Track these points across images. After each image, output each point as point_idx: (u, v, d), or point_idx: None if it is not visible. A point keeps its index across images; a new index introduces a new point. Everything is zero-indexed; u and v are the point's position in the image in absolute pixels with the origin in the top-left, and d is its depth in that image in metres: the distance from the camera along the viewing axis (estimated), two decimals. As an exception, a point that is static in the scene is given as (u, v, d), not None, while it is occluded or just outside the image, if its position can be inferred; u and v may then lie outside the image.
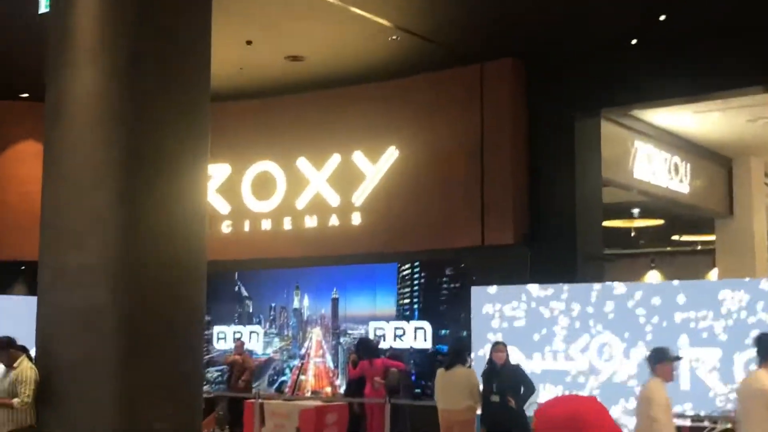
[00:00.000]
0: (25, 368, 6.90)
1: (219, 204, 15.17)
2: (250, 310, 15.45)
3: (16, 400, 6.82)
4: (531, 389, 9.24)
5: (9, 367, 7.03)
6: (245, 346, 14.43)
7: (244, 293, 15.53)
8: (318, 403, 12.51)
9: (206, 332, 15.30)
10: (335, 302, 14.62)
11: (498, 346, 9.47)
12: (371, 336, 13.72)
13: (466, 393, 9.09)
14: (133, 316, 6.57)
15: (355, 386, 12.08)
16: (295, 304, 15.03)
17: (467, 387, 9.13)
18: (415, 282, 13.83)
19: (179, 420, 6.70)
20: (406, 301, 13.83)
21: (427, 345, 13.50)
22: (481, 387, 9.28)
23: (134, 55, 6.84)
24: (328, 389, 14.32)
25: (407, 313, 13.78)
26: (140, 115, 6.81)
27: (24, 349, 7.18)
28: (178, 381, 6.72)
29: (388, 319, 13.96)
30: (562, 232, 12.72)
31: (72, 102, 6.89)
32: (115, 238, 6.63)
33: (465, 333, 12.45)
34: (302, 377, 14.69)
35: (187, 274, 6.94)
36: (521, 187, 13.03)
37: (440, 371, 9.40)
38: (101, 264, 6.61)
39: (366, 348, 12.10)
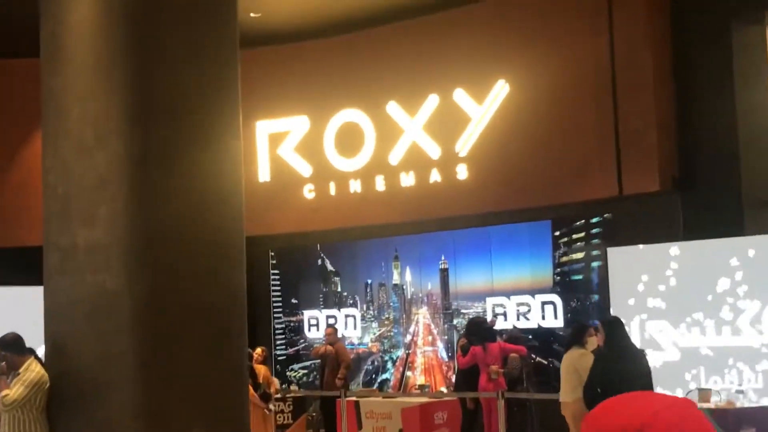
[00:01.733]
0: (30, 370, 6.51)
1: (298, 165, 14.66)
2: (339, 289, 14.91)
3: (2, 394, 6.46)
4: None
5: (14, 371, 6.66)
6: (339, 334, 13.91)
7: (330, 268, 15.00)
8: (424, 399, 11.87)
9: (294, 319, 15.00)
10: (444, 274, 13.89)
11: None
12: (488, 315, 13.01)
13: (574, 381, 8.17)
14: (153, 304, 6.02)
15: (468, 377, 11.36)
16: (395, 278, 14.37)
17: (575, 373, 8.21)
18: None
19: (221, 426, 6.17)
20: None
21: (559, 323, 12.68)
22: None
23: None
24: (443, 389, 13.55)
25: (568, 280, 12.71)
26: (150, 52, 6.20)
27: (32, 352, 6.79)
28: (215, 380, 6.17)
29: (509, 295, 13.20)
30: (723, 173, 11.67)
31: (68, 36, 6.36)
32: (124, 208, 6.07)
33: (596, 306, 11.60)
34: (408, 374, 13.96)
35: (221, 249, 6.31)
36: (666, 120, 11.98)
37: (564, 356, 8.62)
38: (111, 240, 6.06)
39: (478, 330, 11.34)
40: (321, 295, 14.97)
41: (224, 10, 6.53)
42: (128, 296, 6.01)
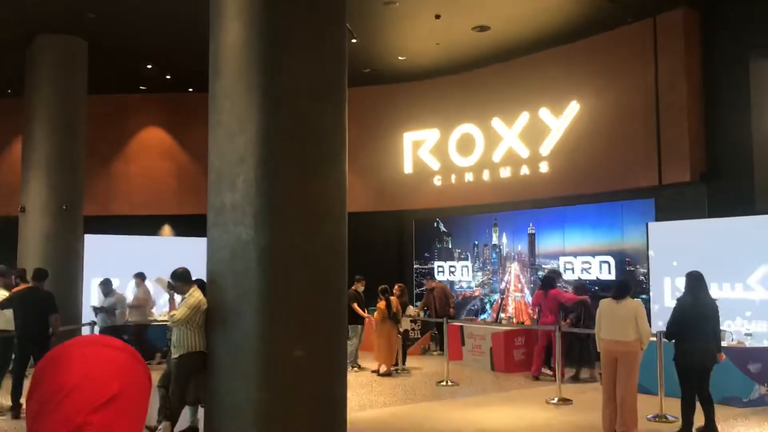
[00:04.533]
0: (192, 296, 5.91)
1: (430, 162, 13.65)
2: (450, 246, 13.74)
3: (171, 314, 5.88)
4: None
5: (182, 295, 6.09)
6: (444, 278, 12.74)
7: (444, 229, 13.84)
8: (508, 328, 10.71)
9: (426, 267, 14.02)
10: (532, 237, 12.54)
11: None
12: (562, 270, 11.66)
13: (634, 324, 6.57)
14: (273, 250, 5.16)
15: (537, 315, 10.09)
16: (494, 240, 13.14)
17: (634, 318, 6.57)
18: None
19: (319, 347, 5.27)
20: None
21: (612, 277, 11.14)
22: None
23: (271, 11, 5.42)
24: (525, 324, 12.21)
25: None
26: (276, 61, 5.32)
27: (198, 282, 6.19)
28: (317, 314, 5.30)
29: (576, 255, 11.75)
30: (739, 169, 9.85)
31: (224, 53, 5.62)
32: (255, 178, 5.28)
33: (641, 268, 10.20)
34: (502, 314, 12.59)
35: (326, 209, 5.45)
36: (697, 128, 10.24)
37: (605, 301, 6.63)
38: (246, 202, 5.30)
39: (543, 279, 10.04)
40: (436, 251, 13.93)
41: (334, 30, 5.63)
42: (255, 245, 5.25)
